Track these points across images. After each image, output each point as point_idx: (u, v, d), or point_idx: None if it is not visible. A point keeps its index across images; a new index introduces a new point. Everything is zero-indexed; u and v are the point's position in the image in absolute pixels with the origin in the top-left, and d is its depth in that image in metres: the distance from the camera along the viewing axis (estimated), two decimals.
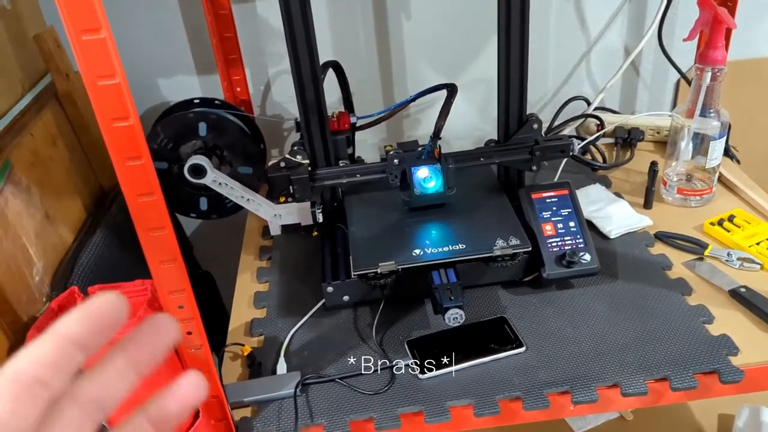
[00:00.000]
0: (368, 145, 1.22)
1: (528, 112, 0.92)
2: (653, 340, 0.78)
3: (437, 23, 1.15)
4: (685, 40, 0.98)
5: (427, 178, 0.88)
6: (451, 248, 0.83)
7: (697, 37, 1.00)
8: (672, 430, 1.06)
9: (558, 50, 1.20)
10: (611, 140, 1.19)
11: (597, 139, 1.12)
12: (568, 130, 1.16)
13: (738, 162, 1.14)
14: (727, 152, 1.14)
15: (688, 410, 1.09)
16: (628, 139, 1.18)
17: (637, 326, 0.80)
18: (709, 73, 0.94)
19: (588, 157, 1.15)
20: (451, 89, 0.87)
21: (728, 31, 1.07)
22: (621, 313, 0.82)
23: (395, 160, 0.87)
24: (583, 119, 1.15)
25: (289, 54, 0.82)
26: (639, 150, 1.18)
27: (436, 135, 0.85)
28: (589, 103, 1.17)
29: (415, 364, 0.77)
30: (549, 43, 1.19)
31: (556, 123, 1.16)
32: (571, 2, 1.16)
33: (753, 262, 0.88)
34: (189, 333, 0.64)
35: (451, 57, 1.18)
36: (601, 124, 1.12)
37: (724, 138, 0.98)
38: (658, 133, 1.19)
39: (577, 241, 0.86)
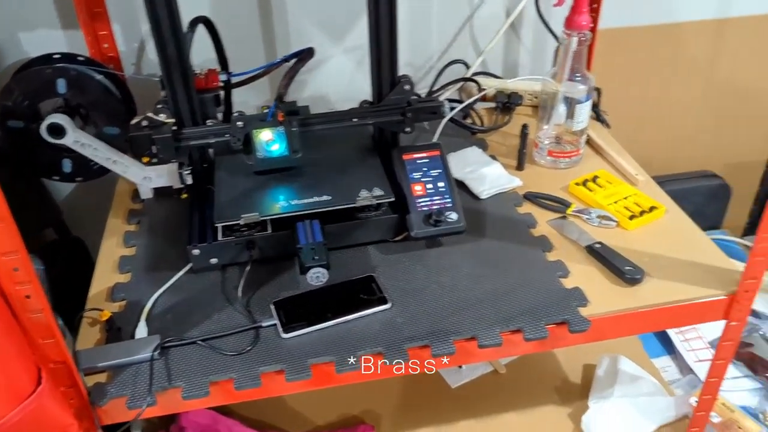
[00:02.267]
0: (250, 107, 1.19)
1: (402, 74, 0.92)
2: (510, 294, 0.81)
3: None
4: (554, 5, 1.01)
5: (270, 141, 0.87)
6: (315, 200, 0.83)
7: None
8: (540, 381, 1.11)
9: (441, 13, 1.21)
10: (492, 104, 1.22)
11: (474, 102, 1.14)
12: (449, 94, 1.17)
13: (608, 126, 1.19)
14: (598, 116, 1.19)
15: (555, 361, 1.15)
16: (507, 103, 1.20)
17: (497, 282, 0.83)
18: (575, 38, 0.97)
19: (468, 120, 1.18)
20: (305, 54, 0.87)
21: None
22: (484, 269, 0.85)
23: (238, 123, 0.85)
24: (462, 83, 1.16)
25: (146, 5, 0.78)
26: (518, 114, 1.21)
27: (280, 98, 0.84)
28: (468, 67, 1.18)
29: (280, 323, 0.76)
30: (432, 6, 1.20)
31: (437, 87, 1.17)
32: None
33: (610, 219, 0.93)
34: (27, 297, 0.61)
35: (335, 16, 1.16)
36: (480, 89, 1.15)
37: (590, 102, 1.02)
38: (536, 98, 1.22)
39: (445, 200, 0.88)
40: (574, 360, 1.14)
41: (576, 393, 1.10)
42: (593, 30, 1.16)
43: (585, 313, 0.78)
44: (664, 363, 1.21)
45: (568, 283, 0.83)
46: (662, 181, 1.05)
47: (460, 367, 1.13)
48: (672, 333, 1.23)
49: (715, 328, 1.21)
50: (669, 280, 0.83)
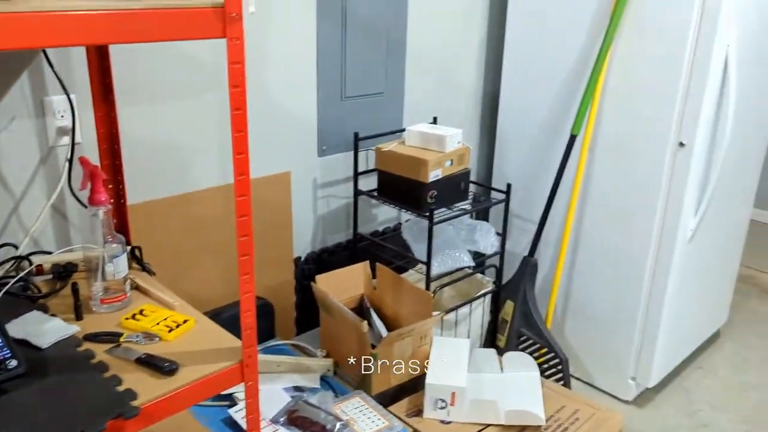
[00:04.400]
0: None
1: None
2: (71, 411, 1.01)
3: None
4: (80, 189, 1.31)
5: None
6: None
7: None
8: None
9: None
10: (49, 276, 1.42)
11: (27, 276, 1.34)
12: (2, 272, 1.35)
13: (153, 273, 1.50)
14: (143, 267, 1.50)
15: None
16: (64, 272, 1.43)
17: (63, 404, 1.02)
18: (100, 210, 1.28)
19: (29, 292, 1.36)
20: None
21: (106, 180, 1.46)
22: (51, 398, 1.03)
23: None
24: (14, 262, 1.36)
25: None
26: (78, 278, 1.44)
27: None
28: (17, 248, 1.39)
29: None
30: None
31: None
32: None
33: (154, 336, 1.22)
34: None
35: None
36: (30, 263, 1.35)
37: (125, 255, 1.33)
38: (87, 263, 1.47)
39: (4, 353, 1.05)
40: None
41: None
42: (123, 203, 1.50)
43: (136, 403, 1.03)
44: None
45: (122, 388, 1.07)
46: (220, 309, 1.39)
47: None
48: (239, 418, 1.55)
49: (271, 407, 1.57)
50: (198, 365, 1.14)
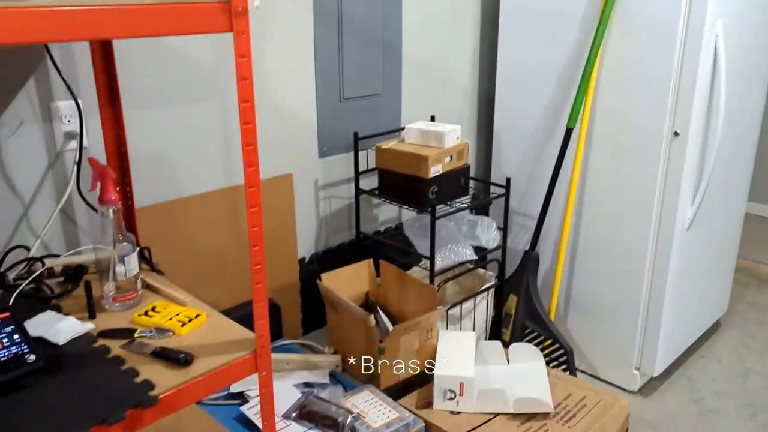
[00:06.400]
0: None
1: None
2: (91, 401, 1.03)
3: None
4: (90, 190, 1.34)
5: None
6: None
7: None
8: None
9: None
10: (61, 278, 1.44)
11: (37, 278, 1.36)
12: (16, 274, 1.37)
13: (162, 273, 1.52)
14: (152, 267, 1.52)
15: None
16: (74, 274, 1.45)
17: (83, 395, 1.04)
18: (110, 210, 1.30)
19: (42, 294, 1.38)
20: None
21: (115, 180, 1.48)
22: (71, 390, 1.05)
23: None
24: (26, 263, 1.38)
25: None
26: (90, 278, 1.46)
27: None
28: (29, 250, 1.41)
29: None
30: None
31: (5, 268, 1.35)
32: None
33: (167, 330, 1.24)
34: None
35: None
36: (43, 264, 1.37)
37: (135, 254, 1.35)
38: (98, 264, 1.49)
39: (23, 348, 1.07)
40: None
41: None
42: (131, 205, 1.53)
43: (154, 393, 1.05)
44: None
45: (139, 379, 1.09)
46: (227, 311, 1.41)
47: None
48: (251, 415, 1.56)
49: (283, 403, 1.59)
50: (212, 356, 1.16)
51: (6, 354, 1.05)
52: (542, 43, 2.26)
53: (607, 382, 2.35)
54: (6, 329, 1.08)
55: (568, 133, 2.15)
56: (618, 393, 2.29)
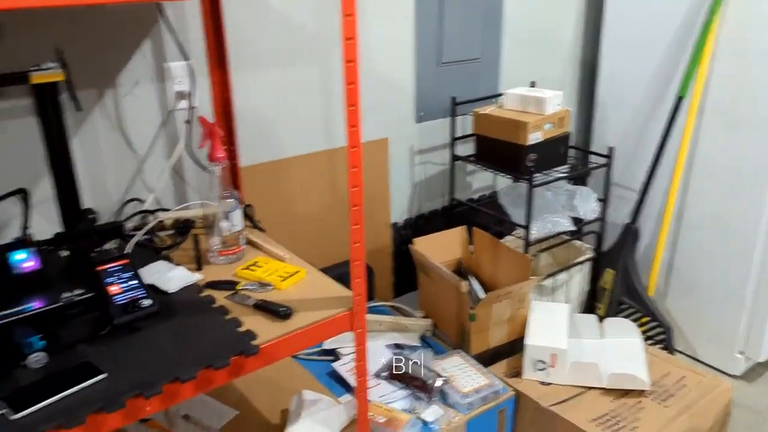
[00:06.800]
0: None
1: (85, 208, 1.19)
2: (200, 346, 1.09)
3: None
4: (199, 147, 1.40)
5: None
6: (24, 307, 1.03)
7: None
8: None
9: (114, 167, 1.51)
10: (171, 231, 1.53)
11: (152, 228, 1.44)
12: (133, 225, 1.46)
13: (263, 230, 1.58)
14: (254, 225, 1.58)
15: (262, 417, 1.43)
16: (183, 228, 1.53)
17: (188, 342, 1.10)
18: (217, 167, 1.36)
19: (154, 245, 1.46)
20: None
21: (223, 138, 1.54)
22: (180, 335, 1.12)
23: None
24: (141, 215, 1.47)
25: None
26: (197, 233, 1.53)
27: None
28: (142, 203, 1.49)
29: (9, 408, 0.92)
30: (103, 160, 1.50)
31: (123, 218, 1.45)
32: (117, 131, 1.50)
33: (268, 285, 1.28)
34: None
35: None
36: (155, 218, 1.46)
37: (240, 210, 1.40)
38: (205, 219, 1.57)
39: (139, 293, 1.14)
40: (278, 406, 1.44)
41: None
42: (235, 164, 1.59)
43: (256, 343, 1.10)
44: (347, 399, 1.57)
45: (242, 329, 1.14)
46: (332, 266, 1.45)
47: None
48: (343, 372, 1.61)
49: (374, 363, 1.62)
50: (310, 311, 1.20)
51: (124, 298, 1.12)
52: (653, 4, 2.13)
53: (707, 365, 2.24)
54: (124, 275, 1.16)
55: (679, 102, 2.03)
56: (719, 376, 2.18)
